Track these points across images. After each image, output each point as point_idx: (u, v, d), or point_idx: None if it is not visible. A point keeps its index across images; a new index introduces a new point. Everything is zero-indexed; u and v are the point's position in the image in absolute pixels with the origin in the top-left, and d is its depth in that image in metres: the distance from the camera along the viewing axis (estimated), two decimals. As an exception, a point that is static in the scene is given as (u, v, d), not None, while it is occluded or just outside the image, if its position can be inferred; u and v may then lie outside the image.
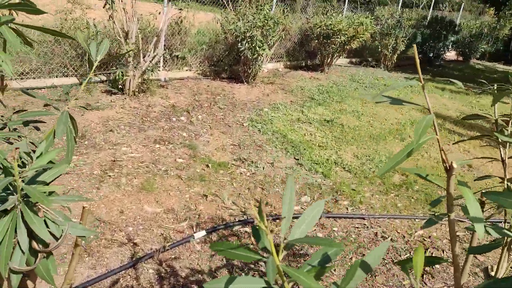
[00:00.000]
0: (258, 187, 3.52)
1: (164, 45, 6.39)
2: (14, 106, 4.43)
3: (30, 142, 0.92)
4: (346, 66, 9.17)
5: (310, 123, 5.20)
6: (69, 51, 5.66)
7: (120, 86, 5.54)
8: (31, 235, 0.78)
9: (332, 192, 3.57)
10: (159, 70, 6.41)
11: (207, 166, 3.78)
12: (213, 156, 4.02)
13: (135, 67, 5.43)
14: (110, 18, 5.31)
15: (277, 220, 3.04)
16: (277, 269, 0.57)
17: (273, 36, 6.58)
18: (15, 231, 0.75)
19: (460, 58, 11.96)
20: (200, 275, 2.37)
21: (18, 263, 0.75)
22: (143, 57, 5.47)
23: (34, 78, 5.37)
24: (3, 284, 0.89)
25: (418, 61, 0.89)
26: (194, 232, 2.75)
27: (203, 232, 2.74)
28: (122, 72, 5.33)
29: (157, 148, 4.04)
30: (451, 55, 12.09)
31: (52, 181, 0.82)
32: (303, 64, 8.62)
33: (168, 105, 5.33)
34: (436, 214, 1.07)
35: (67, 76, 5.66)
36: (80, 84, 5.51)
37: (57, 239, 0.82)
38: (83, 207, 0.98)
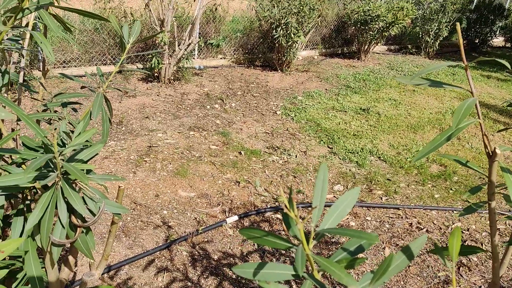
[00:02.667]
0: (290, 175, 3.50)
1: (199, 33, 6.44)
2: (57, 92, 4.66)
3: (68, 123, 0.97)
4: (384, 53, 8.86)
5: (345, 111, 5.10)
6: (108, 39, 5.84)
7: (156, 74, 5.67)
8: (70, 210, 0.82)
9: (366, 181, 3.50)
10: (193, 58, 6.49)
11: (240, 153, 3.81)
12: (246, 143, 4.04)
13: (170, 55, 5.52)
14: (146, 7, 5.41)
15: (309, 208, 3.02)
16: (306, 258, 0.57)
17: (308, 23, 6.46)
18: (56, 207, 0.79)
19: (508, 45, 11.22)
20: (232, 259, 2.41)
21: (58, 237, 0.79)
22: (178, 45, 5.55)
23: (75, 66, 5.60)
24: (46, 257, 0.94)
25: (461, 41, 0.83)
26: (227, 217, 2.80)
27: (235, 217, 2.78)
28: (158, 60, 5.45)
29: (191, 135, 4.11)
30: (498, 41, 11.36)
31: (89, 159, 0.86)
32: (339, 52, 8.42)
33: (202, 93, 5.39)
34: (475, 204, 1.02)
35: (105, 64, 5.87)
36: (119, 72, 5.69)
37: (94, 215, 0.86)
38: (119, 187, 1.01)
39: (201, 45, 6.57)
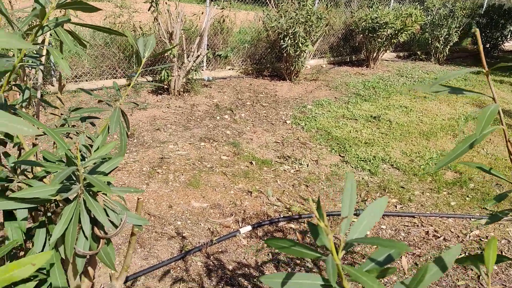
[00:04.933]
0: (302, 184, 3.48)
1: (207, 44, 6.51)
2: (69, 107, 4.72)
3: (87, 136, 0.98)
4: (393, 60, 8.84)
5: (356, 119, 5.08)
6: (118, 53, 5.93)
7: (165, 87, 5.73)
8: (93, 222, 0.83)
9: (380, 189, 3.46)
10: (202, 70, 6.55)
11: (251, 163, 3.81)
12: (257, 153, 4.04)
13: (179, 68, 5.58)
14: (155, 20, 5.49)
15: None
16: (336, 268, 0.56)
17: (316, 32, 6.49)
18: (79, 219, 0.79)
19: (520, 48, 11.12)
20: (246, 269, 2.39)
21: (82, 248, 0.79)
22: (187, 57, 5.61)
23: (86, 81, 5.69)
24: (68, 268, 0.94)
25: (481, 47, 0.83)
26: (240, 227, 2.78)
27: (249, 227, 2.76)
28: (167, 73, 5.51)
29: (202, 146, 4.13)
30: (510, 45, 11.27)
31: (109, 172, 0.86)
32: (348, 60, 8.43)
33: (212, 104, 5.43)
34: (495, 212, 1.00)
35: (116, 78, 5.95)
36: (129, 85, 5.76)
37: (116, 227, 0.86)
38: (138, 199, 1.02)
39: (209, 57, 6.63)
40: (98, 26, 0.97)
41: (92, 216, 0.83)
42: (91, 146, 1.00)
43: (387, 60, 8.68)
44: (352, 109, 5.42)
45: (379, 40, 7.44)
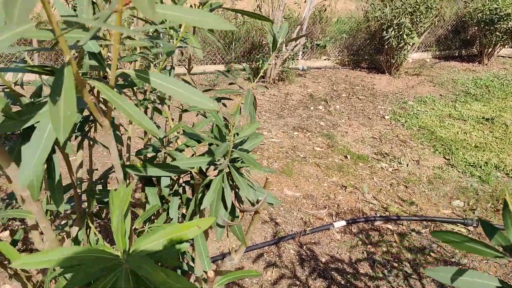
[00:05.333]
0: (401, 184, 3.28)
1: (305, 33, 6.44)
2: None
3: (222, 116, 1.01)
4: (510, 57, 7.82)
5: (464, 120, 4.60)
6: (218, 40, 6.17)
7: (261, 74, 5.82)
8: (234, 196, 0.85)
9: (492, 199, 3.10)
10: (298, 59, 6.51)
11: (345, 157, 3.69)
12: (352, 147, 3.90)
13: (276, 56, 5.61)
14: (258, 8, 5.58)
15: (424, 222, 2.78)
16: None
17: (424, 23, 6.00)
18: (222, 191, 0.82)
19: None
20: (340, 264, 2.33)
21: (221, 219, 0.82)
22: (285, 46, 5.61)
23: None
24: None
25: None
26: (334, 221, 2.72)
27: (343, 222, 2.68)
28: (264, 61, 5.58)
29: (295, 135, 4.12)
30: None
31: (250, 151, 0.88)
32: (456, 54, 7.68)
33: (306, 94, 5.37)
34: None
35: (214, 64, 6.21)
36: (228, 71, 5.97)
37: (251, 204, 0.87)
38: (266, 179, 1.02)
39: (306, 46, 6.56)
40: (246, 11, 0.98)
41: (233, 190, 0.85)
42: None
43: (503, 57, 7.71)
44: (460, 108, 4.93)
45: (497, 33, 6.62)
